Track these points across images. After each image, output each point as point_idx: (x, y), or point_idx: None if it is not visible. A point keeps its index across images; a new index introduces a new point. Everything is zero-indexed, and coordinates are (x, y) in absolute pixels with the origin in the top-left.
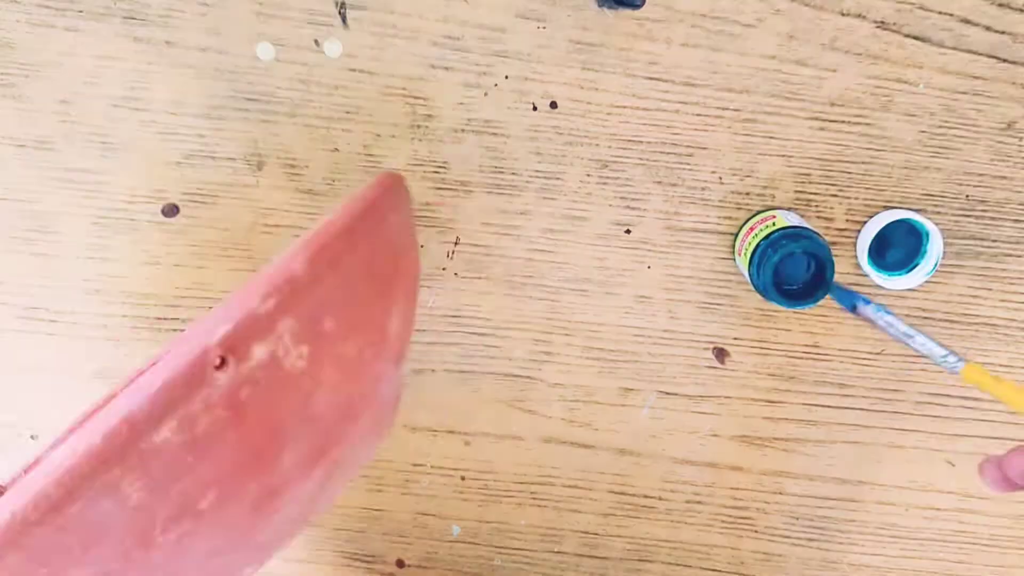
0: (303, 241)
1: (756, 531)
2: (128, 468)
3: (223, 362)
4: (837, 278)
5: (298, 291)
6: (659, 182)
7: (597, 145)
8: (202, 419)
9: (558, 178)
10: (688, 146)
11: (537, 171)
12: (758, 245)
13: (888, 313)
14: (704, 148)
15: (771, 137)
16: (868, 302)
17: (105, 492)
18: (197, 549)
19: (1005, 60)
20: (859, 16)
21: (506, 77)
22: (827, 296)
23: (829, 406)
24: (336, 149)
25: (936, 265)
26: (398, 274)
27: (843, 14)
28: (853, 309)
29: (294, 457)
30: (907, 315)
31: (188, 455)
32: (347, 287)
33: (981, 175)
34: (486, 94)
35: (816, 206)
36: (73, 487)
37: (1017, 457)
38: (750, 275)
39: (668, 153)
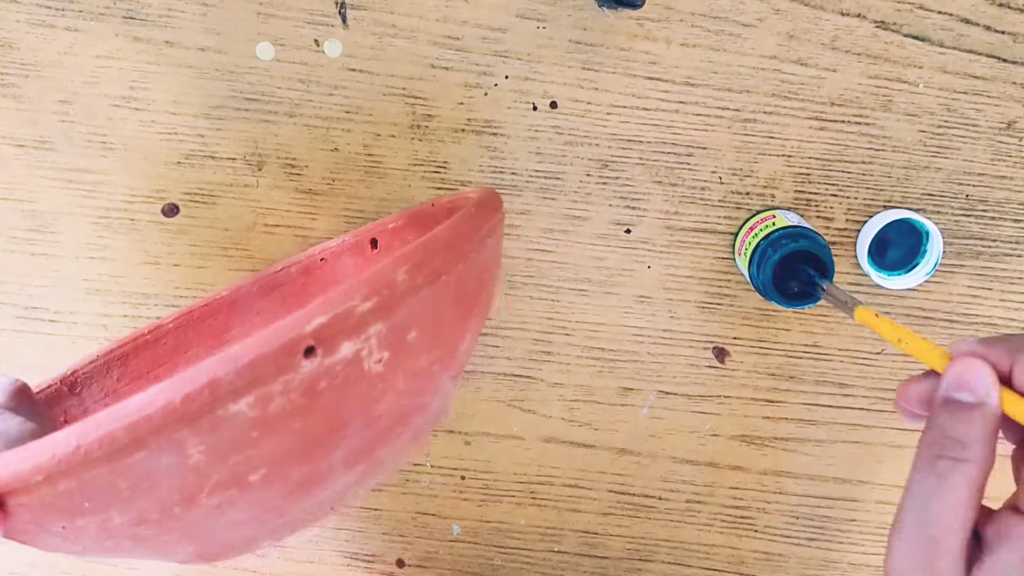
0: (409, 250)
1: (756, 531)
2: (197, 431)
3: (312, 351)
4: (837, 278)
5: (395, 298)
6: (659, 182)
7: (597, 145)
8: (278, 400)
9: (558, 178)
10: (688, 146)
11: (537, 171)
12: (758, 245)
13: (826, 280)
14: (704, 148)
15: (771, 137)
16: (820, 277)
17: (170, 448)
18: (231, 517)
19: (1005, 60)
20: (859, 16)
21: (506, 77)
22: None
23: (829, 406)
24: (336, 149)
25: (936, 265)
26: (481, 298)
27: (843, 14)
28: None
29: (344, 452)
30: (907, 315)
31: (255, 431)
32: (437, 303)
33: (981, 175)
34: (486, 94)
35: (816, 206)
36: (141, 436)
37: (903, 386)
38: (750, 275)
39: (668, 153)
